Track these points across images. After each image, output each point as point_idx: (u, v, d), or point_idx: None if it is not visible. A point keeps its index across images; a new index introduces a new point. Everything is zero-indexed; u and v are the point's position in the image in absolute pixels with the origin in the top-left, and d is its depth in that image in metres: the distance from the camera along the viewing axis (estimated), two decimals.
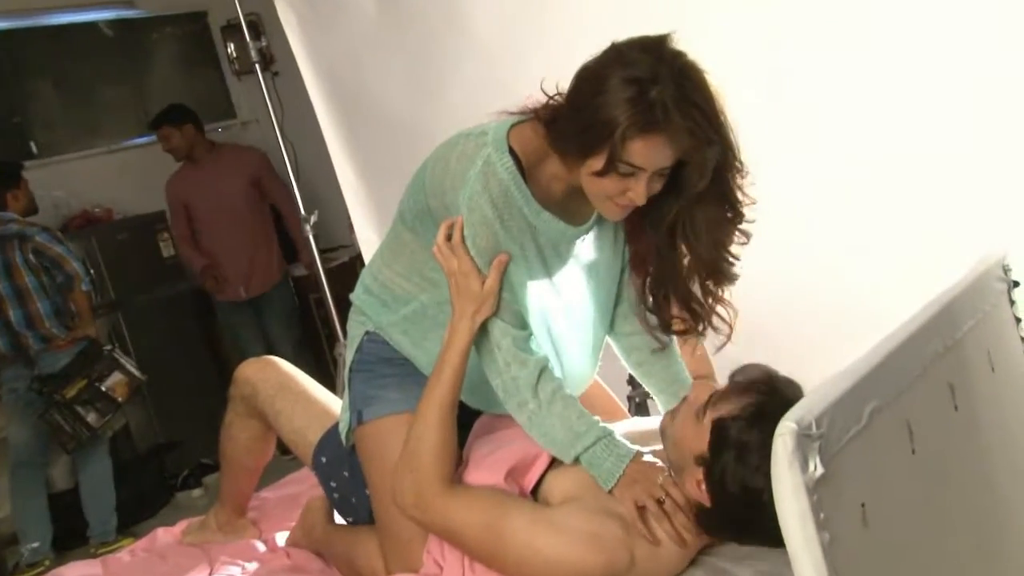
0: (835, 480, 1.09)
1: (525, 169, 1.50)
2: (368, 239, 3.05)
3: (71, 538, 3.98)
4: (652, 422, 1.71)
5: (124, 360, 3.91)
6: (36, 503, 3.83)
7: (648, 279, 1.62)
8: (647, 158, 1.39)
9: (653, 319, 1.64)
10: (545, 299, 1.60)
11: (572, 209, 1.56)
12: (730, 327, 1.59)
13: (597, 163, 1.40)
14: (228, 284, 4.58)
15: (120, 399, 3.83)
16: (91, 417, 3.75)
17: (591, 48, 2.27)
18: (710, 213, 1.49)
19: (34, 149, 4.82)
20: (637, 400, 2.23)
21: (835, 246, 2.08)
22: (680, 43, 1.40)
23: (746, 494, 1.35)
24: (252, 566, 2.03)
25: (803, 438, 1.07)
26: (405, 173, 2.72)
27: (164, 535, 2.29)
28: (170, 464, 4.55)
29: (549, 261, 1.59)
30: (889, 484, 1.20)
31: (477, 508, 1.51)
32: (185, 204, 4.53)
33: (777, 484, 1.07)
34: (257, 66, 3.28)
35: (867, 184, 2.02)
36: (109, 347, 3.97)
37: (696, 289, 1.57)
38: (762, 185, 1.50)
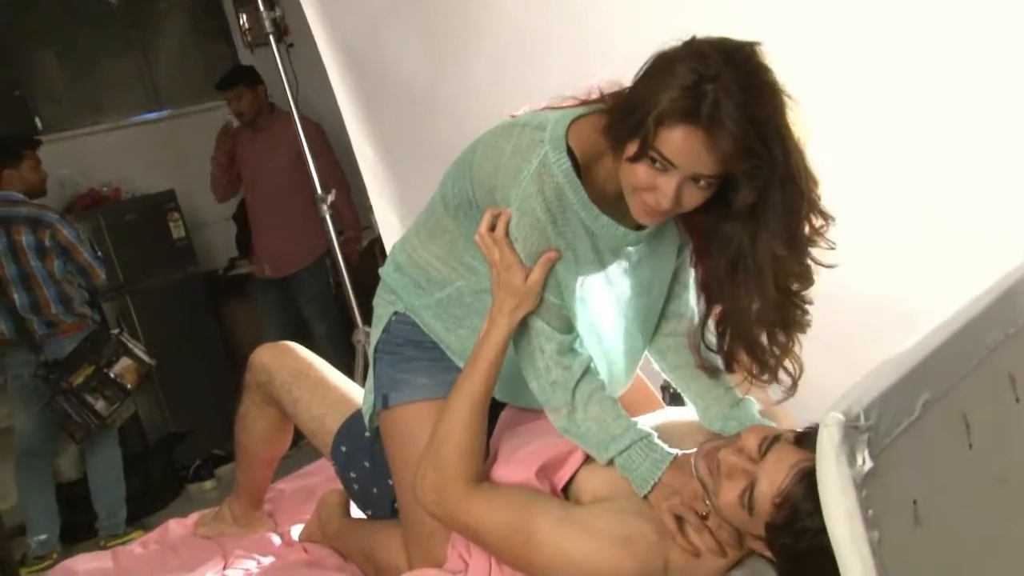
0: (885, 475, 1.08)
1: (581, 167, 1.47)
2: (388, 220, 3.05)
3: (79, 530, 4.03)
4: (688, 412, 1.71)
5: (132, 344, 3.94)
6: (44, 494, 3.88)
7: (716, 314, 1.55)
8: (679, 153, 1.34)
9: (710, 353, 1.60)
10: (597, 302, 1.59)
11: (627, 209, 1.52)
12: (794, 381, 1.52)
13: (632, 148, 1.37)
14: (256, 258, 4.67)
15: (129, 385, 3.86)
16: (99, 405, 3.78)
17: (621, 18, 2.26)
18: (775, 246, 1.42)
19: (38, 124, 4.85)
20: (672, 390, 2.22)
21: (884, 230, 2.06)
22: (768, 57, 1.34)
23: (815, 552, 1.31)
24: (268, 560, 2.05)
25: (850, 430, 1.06)
26: (426, 150, 2.73)
27: (176, 527, 2.32)
28: (181, 455, 4.60)
29: (606, 263, 1.57)
30: (943, 480, 1.19)
31: (502, 508, 1.51)
32: (239, 165, 4.59)
33: (823, 479, 1.07)
34: (271, 37, 3.28)
35: (912, 172, 2.00)
36: (116, 330, 4.00)
37: (763, 336, 1.50)
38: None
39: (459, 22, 2.62)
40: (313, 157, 4.31)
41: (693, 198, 1.40)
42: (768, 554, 1.41)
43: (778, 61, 1.37)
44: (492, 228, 1.51)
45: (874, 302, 1.99)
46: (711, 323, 1.58)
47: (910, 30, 1.92)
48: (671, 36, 1.37)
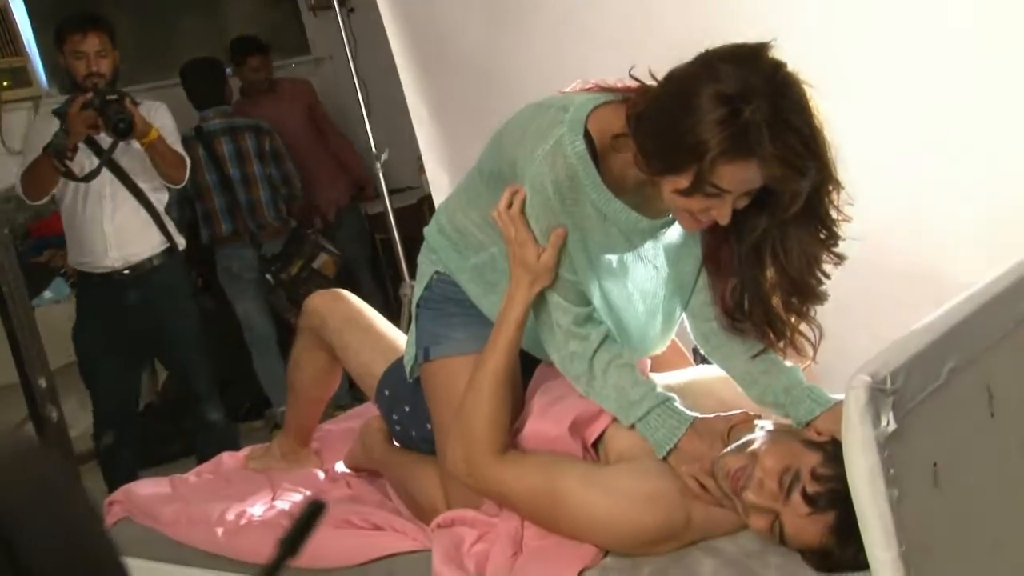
0: (907, 437, 1.09)
1: (599, 153, 1.46)
2: (439, 180, 3.06)
3: (152, 454, 4.11)
4: (713, 369, 1.70)
5: (324, 242, 4.22)
6: (276, 368, 4.09)
7: (729, 288, 1.54)
8: (735, 182, 1.34)
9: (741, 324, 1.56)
10: (609, 284, 1.59)
11: (648, 196, 1.51)
12: (814, 348, 1.52)
13: (682, 182, 1.36)
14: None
15: (330, 276, 4.12)
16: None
17: None
18: (802, 234, 1.42)
19: None
20: (702, 353, 2.22)
21: (914, 201, 2.04)
22: (779, 51, 1.32)
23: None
24: (313, 494, 2.08)
25: (876, 392, 1.06)
26: (480, 114, 2.72)
27: (229, 460, 2.36)
28: (233, 397, 4.67)
29: (618, 247, 1.56)
30: (964, 446, 1.19)
31: (529, 476, 1.54)
32: None
33: (847, 437, 1.07)
34: (335, 1, 3.30)
35: (944, 143, 1.97)
36: (310, 230, 4.27)
37: (778, 305, 1.50)
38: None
39: None
40: (320, 110, 4.69)
41: (743, 203, 1.40)
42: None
43: (807, 47, 1.34)
44: (510, 205, 1.51)
45: (904, 271, 1.97)
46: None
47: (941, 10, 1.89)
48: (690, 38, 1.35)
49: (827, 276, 1.47)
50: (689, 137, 1.31)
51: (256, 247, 4.11)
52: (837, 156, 1.37)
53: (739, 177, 1.33)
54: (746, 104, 1.28)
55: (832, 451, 1.33)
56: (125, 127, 2.83)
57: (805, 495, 1.32)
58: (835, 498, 1.29)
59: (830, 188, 1.39)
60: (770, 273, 1.47)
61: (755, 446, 1.42)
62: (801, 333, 1.51)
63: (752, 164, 1.31)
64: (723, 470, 1.43)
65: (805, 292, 1.47)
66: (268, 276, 4.08)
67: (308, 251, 4.13)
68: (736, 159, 1.30)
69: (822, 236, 1.43)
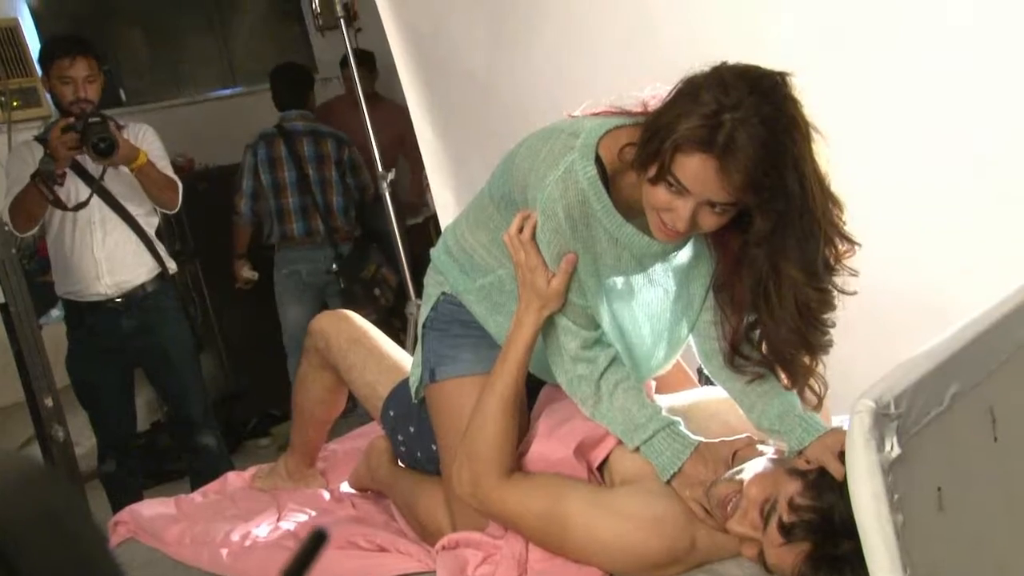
0: (912, 462, 1.08)
1: (609, 177, 1.47)
2: (444, 200, 3.07)
3: (159, 471, 4.12)
4: (719, 391, 1.70)
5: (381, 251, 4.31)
6: None
7: (740, 323, 1.52)
8: (693, 180, 1.33)
9: (742, 361, 1.55)
10: (619, 307, 1.59)
11: None
12: (819, 399, 1.51)
13: (652, 170, 1.37)
14: None
15: (392, 285, 4.20)
16: (383, 298, 4.16)
17: (674, 14, 2.24)
18: (793, 273, 1.40)
19: (123, 96, 4.94)
20: (706, 373, 2.22)
21: (920, 226, 2.04)
22: (797, 88, 1.32)
23: None
24: (318, 514, 2.08)
25: (881, 417, 1.06)
26: (484, 134, 2.74)
27: (235, 479, 2.36)
28: (239, 413, 4.68)
29: (629, 271, 1.56)
30: (968, 470, 1.19)
31: (535, 498, 1.54)
32: None
33: (852, 462, 1.07)
34: (341, 21, 3.31)
35: (949, 169, 1.97)
36: (373, 244, 4.33)
37: (787, 354, 1.47)
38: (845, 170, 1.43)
39: (522, 11, 2.62)
40: (401, 139, 4.45)
41: (709, 222, 1.39)
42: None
43: (811, 75, 1.34)
44: (521, 229, 1.52)
45: (908, 296, 1.97)
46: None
47: (946, 33, 1.89)
48: (719, 37, 1.37)
49: (831, 325, 1.46)
50: (671, 121, 1.33)
51: (333, 246, 4.17)
52: (842, 213, 1.36)
53: (697, 174, 1.32)
54: (732, 112, 1.29)
55: (814, 480, 1.32)
56: (106, 147, 2.78)
57: (780, 525, 1.32)
58: (810, 528, 1.29)
59: (820, 234, 1.37)
60: (778, 327, 1.45)
61: (744, 474, 1.41)
62: (809, 387, 1.50)
63: (712, 165, 1.30)
64: (715, 498, 1.43)
65: (806, 342, 1.45)
66: (341, 280, 4.15)
67: (376, 259, 4.24)
68: (696, 152, 1.30)
69: (809, 281, 1.41)
